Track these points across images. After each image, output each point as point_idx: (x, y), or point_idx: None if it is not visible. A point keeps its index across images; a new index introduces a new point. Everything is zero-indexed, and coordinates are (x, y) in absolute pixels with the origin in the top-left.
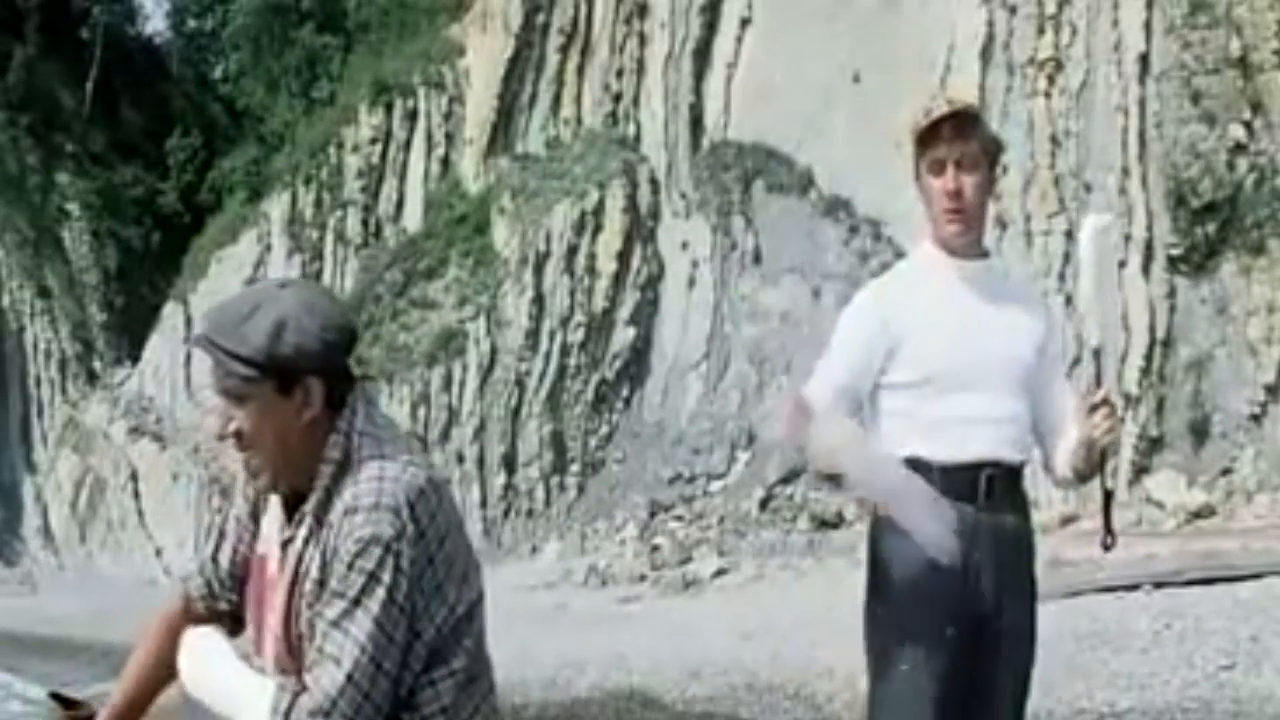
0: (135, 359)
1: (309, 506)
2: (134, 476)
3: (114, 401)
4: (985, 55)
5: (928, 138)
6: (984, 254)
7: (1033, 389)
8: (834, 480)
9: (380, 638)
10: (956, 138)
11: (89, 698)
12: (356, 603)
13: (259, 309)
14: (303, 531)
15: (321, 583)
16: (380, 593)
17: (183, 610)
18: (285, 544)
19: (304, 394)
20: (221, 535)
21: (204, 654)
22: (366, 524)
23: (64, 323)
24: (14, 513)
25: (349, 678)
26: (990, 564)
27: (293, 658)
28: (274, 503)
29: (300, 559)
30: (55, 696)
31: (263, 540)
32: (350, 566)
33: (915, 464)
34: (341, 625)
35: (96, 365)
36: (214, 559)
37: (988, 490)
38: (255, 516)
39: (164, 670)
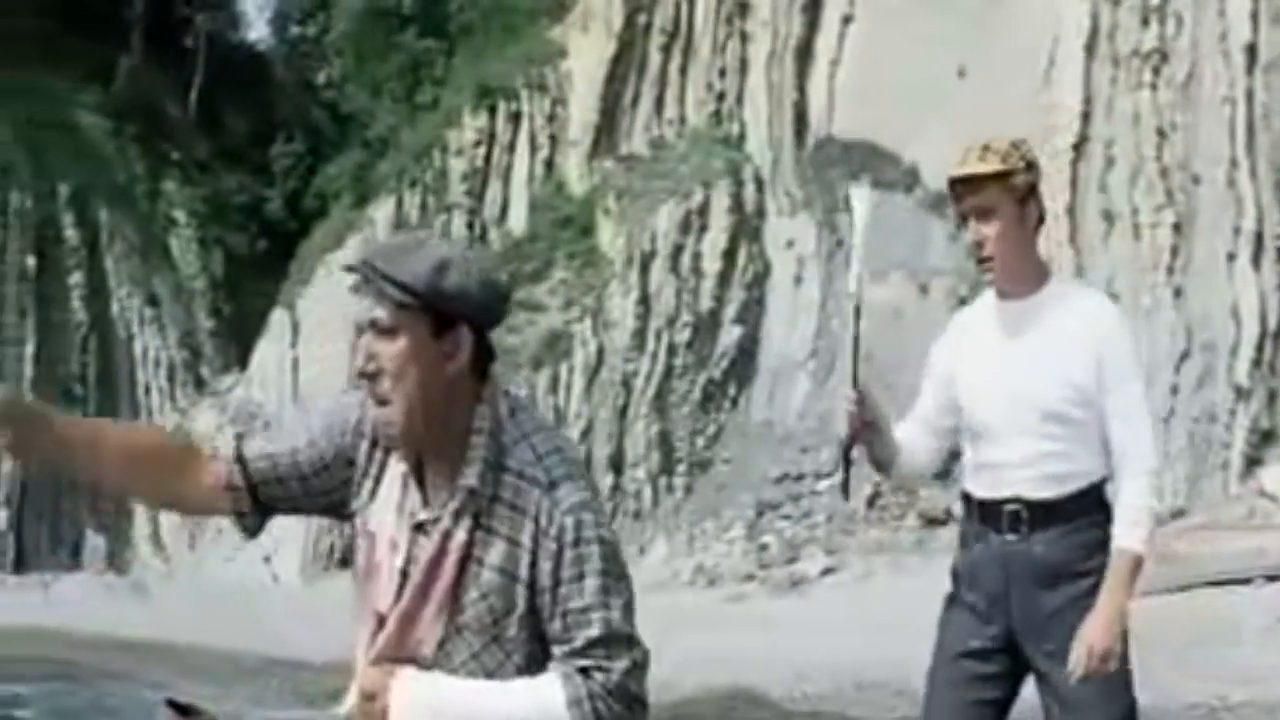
0: (243, 366)
1: (468, 480)
2: None
3: (222, 408)
4: (1090, 48)
5: (951, 193)
6: (1039, 288)
7: (1079, 419)
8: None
9: (627, 593)
10: (967, 192)
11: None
12: (604, 573)
13: (424, 246)
14: (455, 506)
15: (511, 574)
16: (608, 550)
17: (194, 452)
18: (420, 525)
19: (454, 341)
20: (294, 450)
21: (449, 693)
22: (574, 492)
23: (172, 330)
24: (125, 521)
25: (630, 645)
26: (1020, 590)
27: (404, 645)
28: (394, 476)
29: (471, 542)
30: (171, 704)
31: (374, 518)
32: (576, 543)
33: (964, 499)
34: (600, 599)
35: (204, 372)
36: (268, 455)
37: (1012, 523)
38: (324, 468)
39: (115, 469)
